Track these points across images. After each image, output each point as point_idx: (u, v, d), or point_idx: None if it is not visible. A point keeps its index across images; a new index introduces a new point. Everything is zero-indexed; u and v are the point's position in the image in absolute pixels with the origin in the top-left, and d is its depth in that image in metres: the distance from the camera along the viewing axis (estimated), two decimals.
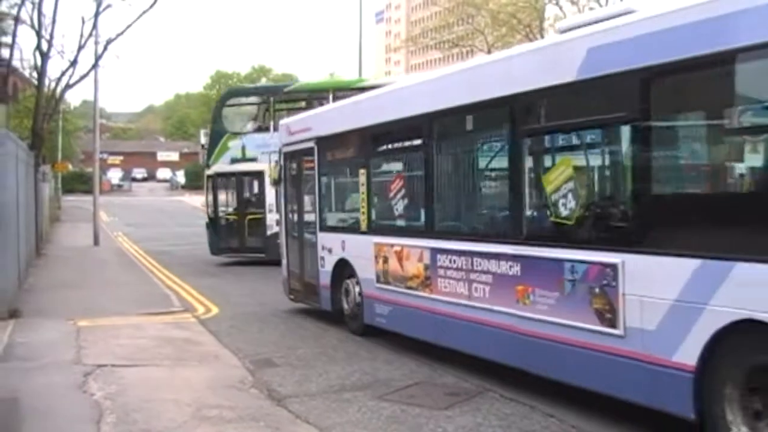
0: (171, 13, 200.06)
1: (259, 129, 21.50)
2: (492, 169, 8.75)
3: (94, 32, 24.75)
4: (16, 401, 7.49)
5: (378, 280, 10.44)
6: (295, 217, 13.11)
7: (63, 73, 24.76)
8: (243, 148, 21.28)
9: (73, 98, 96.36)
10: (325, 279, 11.89)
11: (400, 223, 10.20)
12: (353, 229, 11.18)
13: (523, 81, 7.61)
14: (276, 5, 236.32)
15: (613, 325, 6.59)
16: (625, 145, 6.87)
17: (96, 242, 26.91)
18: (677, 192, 6.61)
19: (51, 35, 23.41)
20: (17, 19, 23.15)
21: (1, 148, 12.01)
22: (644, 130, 6.39)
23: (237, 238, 21.72)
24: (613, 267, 6.53)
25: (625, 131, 6.80)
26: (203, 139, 28.12)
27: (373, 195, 10.77)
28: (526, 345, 7.65)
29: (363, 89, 15.78)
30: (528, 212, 7.95)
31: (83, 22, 24.74)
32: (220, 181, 22.24)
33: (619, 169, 7.23)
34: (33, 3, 22.99)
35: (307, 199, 12.77)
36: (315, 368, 9.17)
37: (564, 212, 7.26)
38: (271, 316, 13.15)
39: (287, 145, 13.12)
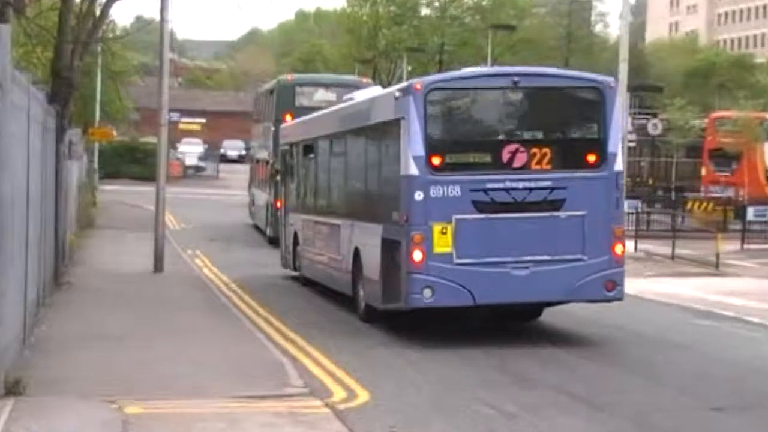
0: None
1: None
2: (327, 175, 17.06)
3: None
4: None
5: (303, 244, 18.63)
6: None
7: None
8: None
9: (123, 15, 74.76)
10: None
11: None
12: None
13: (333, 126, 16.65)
14: None
15: (338, 252, 14.94)
16: (352, 163, 15.07)
17: (158, 266, 19.28)
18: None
19: None
20: None
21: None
22: (348, 157, 15.21)
23: None
24: (339, 226, 15.04)
25: (345, 159, 15.52)
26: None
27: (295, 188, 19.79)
28: (328, 272, 15.93)
29: None
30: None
31: None
32: None
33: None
34: None
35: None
36: None
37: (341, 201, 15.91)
38: (453, 408, 8.66)
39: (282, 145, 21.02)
